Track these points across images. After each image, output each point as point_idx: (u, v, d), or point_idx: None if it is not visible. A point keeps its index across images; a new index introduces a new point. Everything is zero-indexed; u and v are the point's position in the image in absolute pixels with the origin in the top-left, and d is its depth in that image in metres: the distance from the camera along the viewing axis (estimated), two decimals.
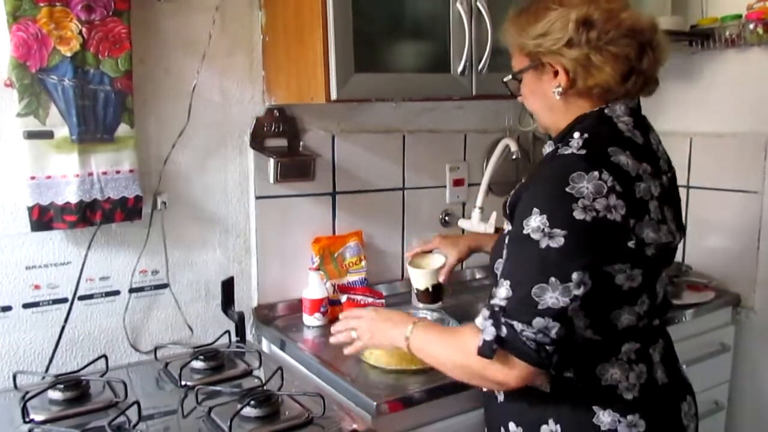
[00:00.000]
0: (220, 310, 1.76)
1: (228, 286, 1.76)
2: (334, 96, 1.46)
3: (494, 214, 1.94)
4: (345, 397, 1.40)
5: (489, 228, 1.95)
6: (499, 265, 1.12)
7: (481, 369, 1.04)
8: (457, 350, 1.09)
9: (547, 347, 0.98)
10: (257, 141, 1.75)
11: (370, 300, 1.77)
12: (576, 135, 1.09)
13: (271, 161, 1.71)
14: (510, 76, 1.21)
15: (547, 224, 0.99)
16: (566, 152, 1.06)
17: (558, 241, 0.98)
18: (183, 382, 1.44)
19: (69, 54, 1.41)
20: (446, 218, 2.13)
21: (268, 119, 1.77)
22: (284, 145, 1.80)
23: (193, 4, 1.63)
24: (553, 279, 0.98)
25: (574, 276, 0.98)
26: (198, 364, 1.52)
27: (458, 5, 1.59)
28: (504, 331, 0.99)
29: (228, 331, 1.70)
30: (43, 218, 1.43)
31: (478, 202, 1.98)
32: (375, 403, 1.31)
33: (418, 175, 2.06)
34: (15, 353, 1.50)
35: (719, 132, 2.14)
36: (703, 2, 2.17)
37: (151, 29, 1.58)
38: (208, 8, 1.64)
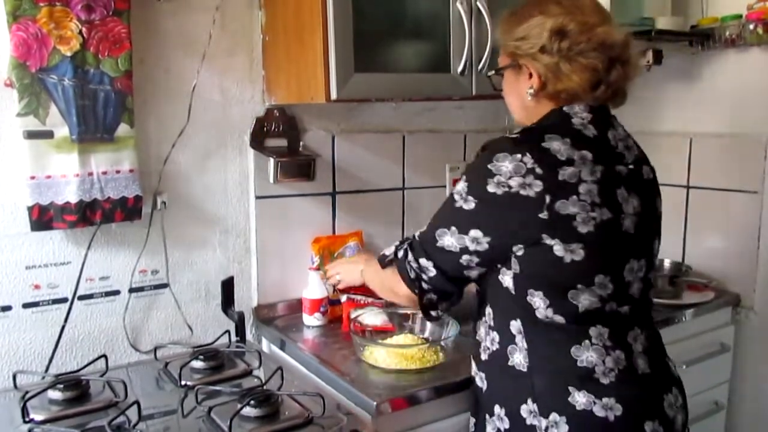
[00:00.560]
0: (220, 310, 1.76)
1: (228, 285, 1.76)
2: (334, 96, 1.46)
3: None
4: (345, 397, 1.40)
5: None
6: None
7: (384, 277, 1.33)
8: (378, 272, 1.36)
9: (423, 284, 1.24)
10: (257, 141, 1.75)
11: (371, 300, 1.77)
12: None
13: (271, 161, 1.71)
14: (493, 72, 1.32)
15: (466, 191, 1.17)
16: (505, 136, 1.19)
17: (469, 205, 1.16)
18: (183, 382, 1.44)
19: (69, 54, 1.41)
20: None
21: (268, 119, 1.77)
22: (284, 145, 1.80)
23: (193, 4, 1.63)
24: (454, 228, 1.17)
25: (471, 232, 1.16)
26: (198, 363, 1.52)
27: (458, 5, 1.59)
28: (400, 254, 1.27)
29: (228, 331, 1.70)
30: (43, 218, 1.43)
31: None
32: (375, 403, 1.31)
33: (418, 175, 2.06)
34: (15, 353, 1.50)
35: (719, 132, 2.14)
36: (703, 2, 2.17)
37: (151, 29, 1.58)
38: (208, 8, 1.64)
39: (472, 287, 1.29)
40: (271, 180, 1.73)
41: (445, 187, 2.12)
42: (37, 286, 1.51)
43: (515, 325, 1.18)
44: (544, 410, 1.14)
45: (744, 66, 2.08)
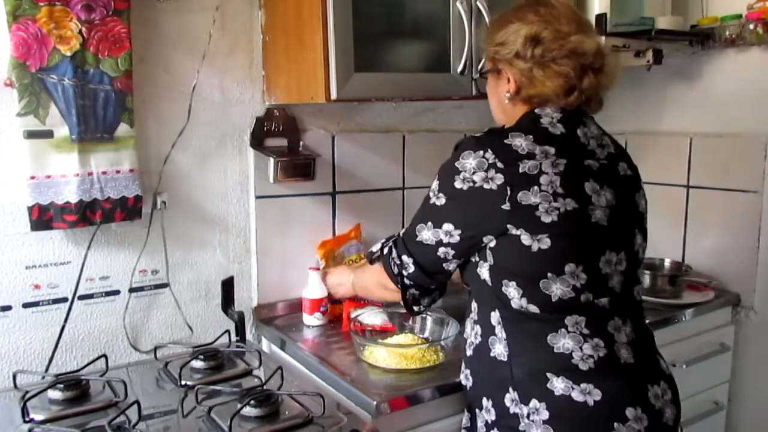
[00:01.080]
0: (220, 310, 1.76)
1: (228, 285, 1.76)
2: (334, 96, 1.46)
3: None
4: (345, 397, 1.40)
5: None
6: None
7: (373, 274, 1.43)
8: (366, 270, 1.50)
9: (405, 280, 1.32)
10: (257, 141, 1.75)
11: (370, 301, 1.77)
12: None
13: (271, 161, 1.71)
14: (478, 74, 1.42)
15: (438, 188, 1.24)
16: (472, 135, 1.25)
17: (440, 201, 1.23)
18: (183, 382, 1.44)
19: (69, 53, 1.41)
20: None
21: (268, 119, 1.77)
22: (284, 144, 1.80)
23: (193, 4, 1.63)
24: (430, 223, 1.25)
25: (444, 226, 1.23)
26: (198, 363, 1.52)
27: (458, 5, 1.60)
28: (385, 250, 1.36)
29: (228, 331, 1.70)
30: (42, 218, 1.43)
31: None
32: (375, 403, 1.31)
33: (418, 174, 2.06)
34: (15, 353, 1.50)
35: (719, 132, 2.14)
36: (703, 2, 2.17)
37: (151, 29, 1.58)
38: (208, 8, 1.64)
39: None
40: (271, 180, 1.72)
41: None
42: (37, 286, 1.51)
43: (494, 316, 1.22)
44: (525, 398, 1.17)
45: (744, 66, 2.08)
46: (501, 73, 1.28)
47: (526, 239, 1.16)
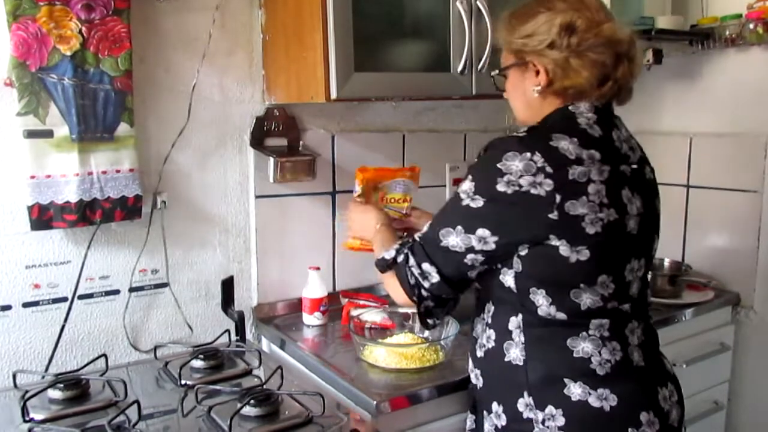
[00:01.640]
0: (220, 310, 1.76)
1: (228, 285, 1.76)
2: (334, 95, 1.46)
3: None
4: (345, 396, 1.40)
5: None
6: None
7: (387, 282, 1.28)
8: (376, 255, 1.34)
9: (422, 290, 1.20)
10: (257, 140, 1.75)
11: (371, 303, 1.77)
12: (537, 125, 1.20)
13: (271, 160, 1.71)
14: (497, 71, 1.31)
15: (473, 190, 1.15)
16: (512, 135, 1.18)
17: (477, 204, 1.14)
18: (183, 381, 1.44)
19: (69, 53, 1.41)
20: None
21: (268, 118, 1.77)
22: (284, 144, 1.80)
23: (193, 4, 1.63)
24: (460, 227, 1.15)
25: (478, 231, 1.14)
26: (198, 363, 1.52)
27: (458, 4, 1.59)
28: (400, 258, 1.24)
29: (228, 331, 1.70)
30: (42, 217, 1.43)
31: None
32: (375, 402, 1.31)
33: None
34: (15, 352, 1.50)
35: (719, 132, 2.14)
36: (703, 2, 2.17)
37: (151, 28, 1.58)
38: (208, 7, 1.64)
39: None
40: (271, 179, 1.72)
41: (445, 186, 2.12)
42: (37, 286, 1.51)
43: (514, 322, 1.18)
44: (540, 403, 1.15)
45: (744, 65, 2.08)
46: (527, 67, 1.21)
47: (564, 250, 1.11)
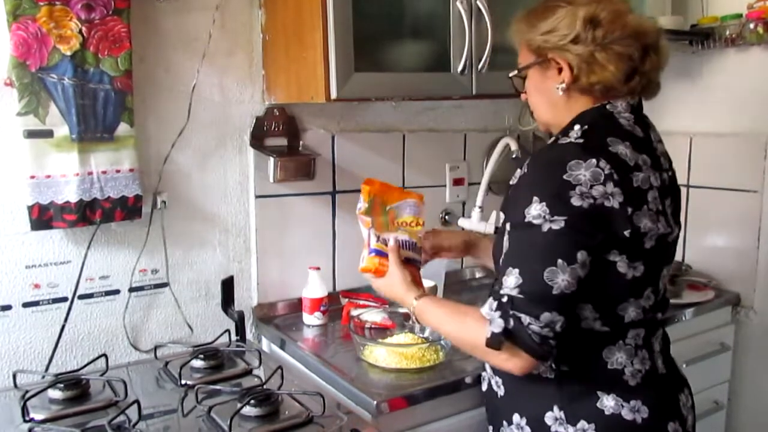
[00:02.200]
0: (220, 309, 1.76)
1: (228, 285, 1.76)
2: (334, 95, 1.46)
3: (494, 214, 1.94)
4: (345, 396, 1.40)
5: (489, 227, 1.95)
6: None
7: (486, 356, 1.09)
8: (462, 333, 1.13)
9: (551, 341, 1.01)
10: (257, 140, 1.75)
11: (371, 303, 1.77)
12: (576, 128, 1.12)
13: (271, 160, 1.71)
14: (515, 72, 1.24)
15: (548, 212, 1.02)
16: (564, 141, 1.09)
17: (559, 225, 1.01)
18: (183, 381, 1.44)
19: (69, 53, 1.41)
20: (446, 217, 2.13)
21: (268, 118, 1.77)
22: (284, 144, 1.80)
23: (193, 3, 1.63)
24: (560, 261, 1.00)
25: (579, 256, 1.01)
26: (198, 363, 1.52)
27: (458, 4, 1.59)
28: (511, 323, 1.01)
29: (228, 330, 1.70)
30: (42, 217, 1.43)
31: (478, 202, 1.98)
32: (375, 402, 1.31)
33: (418, 174, 2.06)
34: (15, 352, 1.50)
35: (719, 132, 2.14)
36: (704, 1, 2.17)
37: (151, 28, 1.58)
38: (208, 7, 1.64)
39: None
40: (271, 179, 1.72)
41: (445, 186, 2.12)
42: (37, 286, 1.50)
43: None
44: (573, 418, 1.11)
45: (744, 65, 2.08)
46: (549, 64, 1.15)
47: (622, 266, 1.06)
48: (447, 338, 1.22)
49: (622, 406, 1.10)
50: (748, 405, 2.15)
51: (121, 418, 1.26)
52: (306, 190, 1.85)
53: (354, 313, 1.69)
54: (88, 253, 1.55)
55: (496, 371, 1.23)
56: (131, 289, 1.62)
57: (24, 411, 1.28)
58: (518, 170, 1.13)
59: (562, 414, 1.12)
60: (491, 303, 1.05)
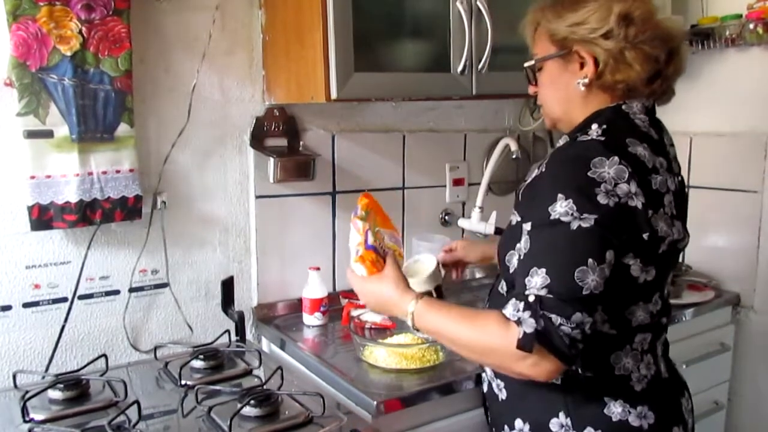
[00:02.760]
0: (220, 310, 1.76)
1: (228, 285, 1.76)
2: (334, 95, 1.46)
3: (494, 214, 1.94)
4: (345, 397, 1.40)
5: (489, 228, 1.96)
6: (511, 257, 1.11)
7: (509, 361, 0.99)
8: (477, 336, 1.04)
9: (579, 344, 0.96)
10: (257, 140, 1.75)
11: None
12: (594, 126, 1.09)
13: (271, 161, 1.70)
14: (533, 62, 1.20)
15: (575, 209, 0.98)
16: (585, 139, 1.07)
17: (589, 222, 0.97)
18: (183, 382, 1.44)
19: (69, 53, 1.40)
20: (446, 218, 2.13)
21: (268, 119, 1.77)
22: (284, 144, 1.80)
23: (193, 4, 1.63)
24: (590, 260, 0.97)
25: (607, 255, 0.98)
26: (198, 363, 1.51)
27: (458, 4, 1.59)
28: (542, 324, 0.95)
29: (228, 331, 1.70)
30: (42, 217, 1.43)
31: (478, 202, 1.99)
32: (375, 403, 1.31)
33: (418, 174, 2.06)
34: (15, 353, 1.50)
35: (719, 132, 2.14)
36: (703, 2, 2.17)
37: (151, 28, 1.58)
38: (208, 7, 1.64)
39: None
40: (271, 179, 1.72)
41: (445, 187, 2.12)
42: (37, 286, 1.50)
43: None
44: (579, 424, 1.10)
45: (744, 65, 2.08)
46: (572, 58, 1.12)
47: (636, 270, 1.05)
48: (452, 344, 1.10)
49: (629, 413, 1.09)
50: (748, 405, 2.15)
51: (121, 418, 1.26)
52: (306, 191, 1.85)
53: (354, 313, 1.69)
54: (88, 253, 1.55)
55: (497, 373, 1.21)
56: (131, 290, 1.62)
57: (24, 411, 1.27)
58: (535, 169, 1.10)
59: (568, 421, 1.11)
60: (516, 304, 0.98)
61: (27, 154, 1.40)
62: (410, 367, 1.46)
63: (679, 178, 1.18)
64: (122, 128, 1.49)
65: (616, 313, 1.09)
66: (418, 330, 1.15)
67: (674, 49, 1.12)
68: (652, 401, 1.11)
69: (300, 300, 1.80)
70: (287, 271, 1.85)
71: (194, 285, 1.72)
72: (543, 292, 0.96)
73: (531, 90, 1.24)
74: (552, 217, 0.99)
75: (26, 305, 1.50)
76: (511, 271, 1.09)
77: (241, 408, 1.25)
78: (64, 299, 1.54)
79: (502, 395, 1.21)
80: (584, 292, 0.96)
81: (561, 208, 0.99)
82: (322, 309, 1.76)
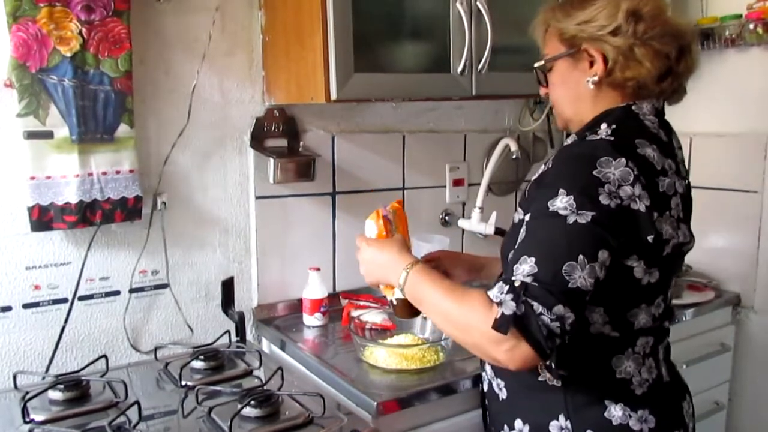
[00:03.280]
0: (220, 310, 1.76)
1: (228, 286, 1.76)
2: (334, 96, 1.46)
3: (494, 214, 1.94)
4: (345, 397, 1.40)
5: (489, 228, 1.96)
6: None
7: (485, 342, 0.97)
8: (461, 312, 1.02)
9: (556, 338, 0.94)
10: (257, 141, 1.75)
11: (373, 304, 1.77)
12: (604, 126, 1.09)
13: (271, 161, 1.70)
14: (542, 62, 1.20)
15: (574, 205, 0.98)
16: (594, 138, 1.06)
17: (585, 219, 0.97)
18: (183, 382, 1.44)
19: (69, 54, 1.41)
20: (446, 218, 2.13)
21: (268, 119, 1.77)
22: (284, 145, 1.80)
23: (193, 5, 1.63)
24: (581, 257, 0.95)
25: (600, 255, 0.97)
26: (198, 364, 1.52)
27: (458, 5, 1.59)
28: (522, 309, 0.94)
29: (228, 331, 1.70)
30: (43, 218, 1.43)
31: (478, 202, 1.99)
32: (375, 403, 1.31)
33: (418, 175, 2.06)
34: (15, 353, 1.50)
35: (719, 132, 2.14)
36: (703, 2, 2.17)
37: (151, 29, 1.58)
38: (208, 8, 1.64)
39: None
40: (271, 180, 1.72)
41: (445, 187, 2.12)
42: (37, 287, 1.50)
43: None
44: (579, 427, 1.10)
45: (744, 66, 2.08)
46: (581, 56, 1.12)
47: (639, 272, 1.04)
48: (435, 314, 1.09)
49: (630, 416, 1.09)
50: (748, 405, 2.15)
51: (122, 419, 1.26)
52: (306, 191, 1.85)
53: (354, 314, 1.69)
54: (89, 254, 1.55)
55: (498, 373, 1.22)
56: (131, 290, 1.63)
57: (24, 412, 1.27)
58: (542, 165, 1.11)
59: (568, 423, 1.10)
60: (501, 287, 0.97)
61: (27, 155, 1.40)
62: (410, 368, 1.46)
63: (686, 181, 1.18)
64: (122, 129, 1.49)
65: (618, 315, 1.09)
66: (403, 294, 1.14)
67: (685, 47, 1.11)
68: (653, 405, 1.11)
69: (300, 300, 1.80)
70: (287, 272, 1.85)
71: (194, 286, 1.72)
72: (528, 279, 0.96)
73: (542, 91, 1.24)
74: (550, 209, 0.99)
75: (26, 306, 1.50)
76: None
77: (242, 409, 1.25)
78: (65, 300, 1.54)
79: (503, 395, 1.21)
80: (570, 286, 0.94)
81: (560, 202, 0.98)
82: (322, 309, 1.76)
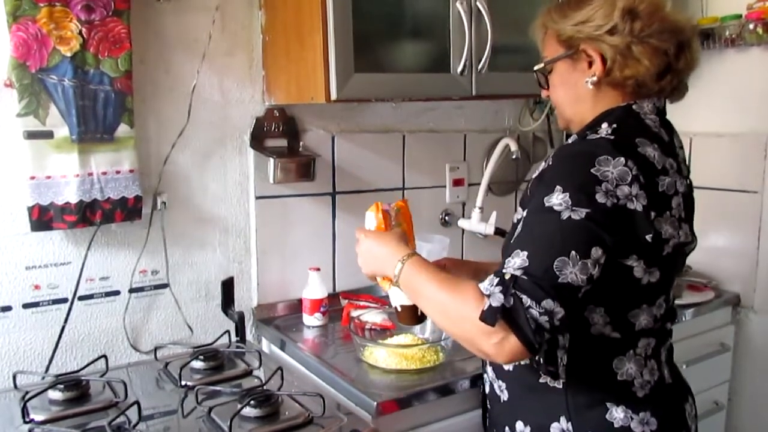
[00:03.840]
0: (220, 310, 1.76)
1: (228, 286, 1.76)
2: (334, 96, 1.46)
3: (494, 214, 1.94)
4: (345, 397, 1.40)
5: (489, 228, 1.96)
6: None
7: (475, 334, 0.97)
8: (453, 304, 1.02)
9: (545, 333, 0.93)
10: (257, 141, 1.75)
11: (372, 304, 1.77)
12: (604, 125, 1.09)
13: (271, 161, 1.70)
14: (542, 64, 1.20)
15: (570, 202, 0.98)
16: (594, 137, 1.06)
17: (579, 215, 0.97)
18: (183, 382, 1.44)
19: (69, 54, 1.41)
20: (446, 218, 2.13)
21: (268, 119, 1.77)
22: (284, 145, 1.80)
23: (193, 4, 1.63)
24: (573, 253, 0.95)
25: (593, 252, 0.96)
26: (198, 364, 1.52)
27: (458, 5, 1.59)
28: (511, 301, 0.93)
29: (228, 331, 1.70)
30: (42, 218, 1.43)
31: (478, 202, 1.99)
32: (375, 403, 1.31)
33: (418, 175, 2.06)
34: (15, 353, 1.50)
35: (719, 132, 2.14)
36: (703, 2, 2.17)
37: (151, 29, 1.58)
38: (208, 8, 1.64)
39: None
40: (271, 180, 1.72)
41: (445, 187, 2.12)
42: (37, 287, 1.50)
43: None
44: (581, 429, 1.09)
45: (744, 66, 2.08)
46: (580, 56, 1.12)
47: (639, 272, 1.04)
48: (428, 305, 1.08)
49: (632, 419, 1.09)
50: (747, 405, 2.15)
51: (121, 419, 1.26)
52: (306, 191, 1.85)
53: (354, 314, 1.69)
54: (88, 254, 1.55)
55: (500, 375, 1.21)
56: (131, 290, 1.62)
57: (24, 412, 1.28)
58: (542, 163, 1.11)
59: (569, 426, 1.10)
60: (492, 279, 0.97)
61: (27, 154, 1.40)
62: (410, 368, 1.46)
63: (688, 181, 1.17)
64: (122, 129, 1.49)
65: (619, 315, 1.09)
66: (398, 286, 1.14)
67: (684, 43, 1.11)
68: (655, 407, 1.11)
69: (300, 300, 1.80)
70: (287, 272, 1.85)
71: (194, 285, 1.72)
72: (519, 273, 0.96)
73: (543, 94, 1.24)
74: (546, 206, 0.99)
75: (26, 306, 1.50)
76: None
77: (241, 408, 1.25)
78: (64, 300, 1.54)
79: (504, 397, 1.20)
80: (560, 281, 0.94)
81: (556, 198, 0.99)
82: (322, 309, 1.76)
